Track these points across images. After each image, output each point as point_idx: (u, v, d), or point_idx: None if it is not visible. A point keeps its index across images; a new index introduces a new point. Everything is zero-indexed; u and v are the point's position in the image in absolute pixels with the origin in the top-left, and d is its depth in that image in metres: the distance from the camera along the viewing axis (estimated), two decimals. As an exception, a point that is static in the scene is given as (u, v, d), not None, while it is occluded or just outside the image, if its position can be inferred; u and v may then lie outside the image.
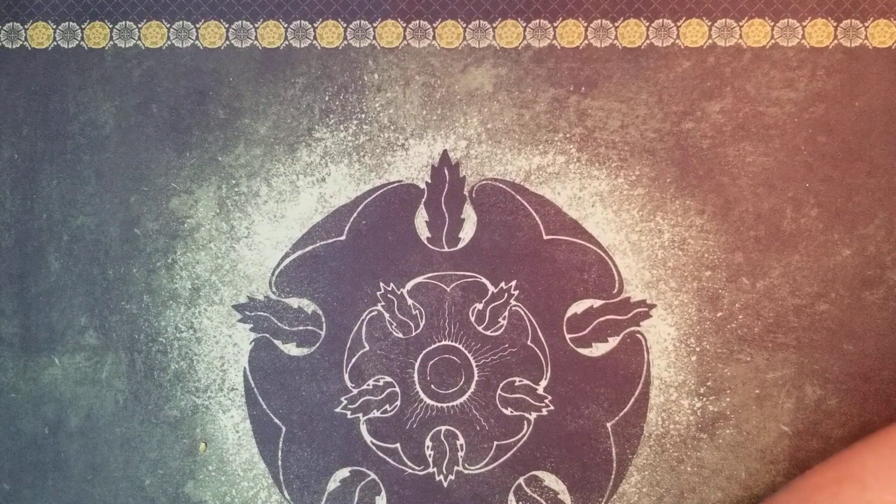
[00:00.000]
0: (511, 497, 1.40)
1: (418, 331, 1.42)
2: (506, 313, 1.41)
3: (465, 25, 1.42)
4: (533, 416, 1.41)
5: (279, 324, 1.43)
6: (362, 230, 1.43)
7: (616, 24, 1.41)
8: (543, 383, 1.41)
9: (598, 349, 1.40)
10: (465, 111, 1.42)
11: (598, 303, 1.41)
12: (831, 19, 1.39)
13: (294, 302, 1.43)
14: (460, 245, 1.42)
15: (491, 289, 1.42)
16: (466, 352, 1.42)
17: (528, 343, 1.41)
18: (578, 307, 1.41)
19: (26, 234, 1.45)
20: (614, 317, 1.40)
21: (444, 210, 1.42)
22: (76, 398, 1.44)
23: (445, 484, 1.40)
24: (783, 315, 1.38)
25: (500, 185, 1.42)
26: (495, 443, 1.41)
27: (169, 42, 1.45)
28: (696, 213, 1.40)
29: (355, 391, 1.42)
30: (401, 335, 1.43)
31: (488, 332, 1.42)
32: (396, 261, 1.43)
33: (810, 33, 1.39)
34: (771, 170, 1.39)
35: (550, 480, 1.40)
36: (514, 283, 1.41)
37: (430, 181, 1.42)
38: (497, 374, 1.41)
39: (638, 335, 1.40)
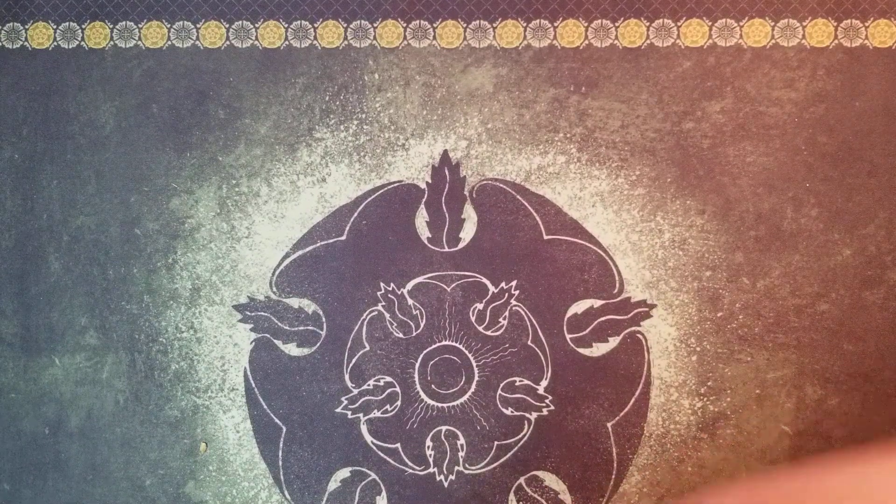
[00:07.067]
0: (512, 497, 1.40)
1: (419, 331, 1.42)
2: (506, 313, 1.41)
3: (465, 25, 1.42)
4: (533, 416, 1.41)
5: (280, 324, 1.43)
6: (363, 230, 1.43)
7: (616, 24, 1.41)
8: (544, 383, 1.41)
9: (598, 349, 1.40)
10: (466, 111, 1.43)
11: (598, 303, 1.41)
12: (831, 19, 1.39)
13: (294, 302, 1.43)
14: (461, 245, 1.42)
15: (491, 289, 1.42)
16: (467, 352, 1.42)
17: (529, 343, 1.41)
18: (579, 307, 1.41)
19: (26, 234, 1.45)
20: (615, 317, 1.40)
21: (445, 210, 1.42)
22: (76, 398, 1.44)
23: (446, 484, 1.41)
24: (783, 315, 1.38)
25: (501, 185, 1.42)
26: (496, 443, 1.41)
27: (169, 42, 1.45)
28: (697, 213, 1.40)
29: (356, 391, 1.42)
30: (401, 335, 1.43)
31: (489, 332, 1.42)
32: (397, 261, 1.43)
33: (811, 33, 1.39)
34: (771, 170, 1.39)
35: (551, 480, 1.40)
36: (514, 283, 1.41)
37: (430, 181, 1.42)
38: (497, 374, 1.41)
39: (638, 335, 1.40)
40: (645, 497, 1.39)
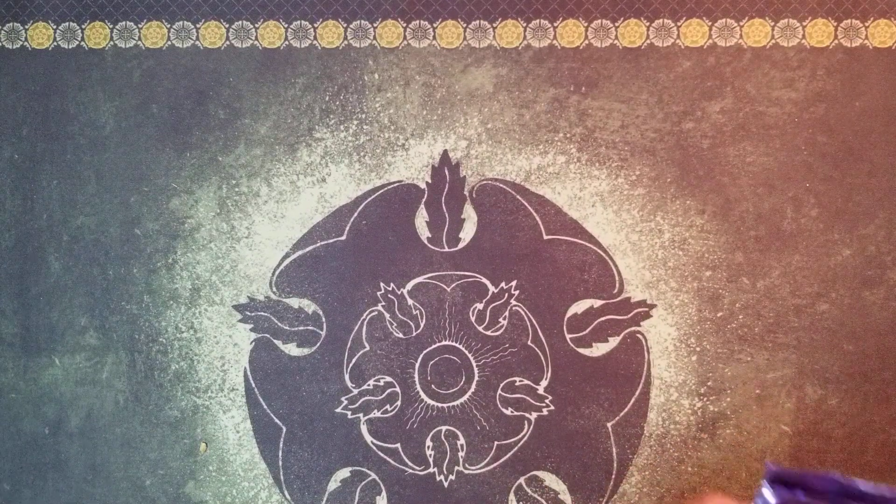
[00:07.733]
0: (511, 497, 1.40)
1: (419, 331, 1.42)
2: (506, 313, 1.41)
3: (465, 25, 1.42)
4: (533, 416, 1.41)
5: (280, 324, 1.43)
6: (363, 230, 1.43)
7: (616, 24, 1.41)
8: (544, 383, 1.41)
9: (598, 349, 1.40)
10: (466, 111, 1.42)
11: (598, 303, 1.41)
12: (831, 19, 1.39)
13: (294, 302, 1.43)
14: (461, 245, 1.42)
15: (491, 289, 1.42)
16: (467, 352, 1.42)
17: (529, 343, 1.41)
18: (579, 307, 1.41)
19: (26, 234, 1.45)
20: (615, 317, 1.40)
21: (445, 210, 1.42)
22: (76, 398, 1.44)
23: (446, 484, 1.41)
24: (783, 315, 1.38)
25: (501, 185, 1.42)
26: (496, 443, 1.41)
27: (169, 42, 1.45)
28: (697, 212, 1.40)
29: (356, 391, 1.42)
30: (401, 335, 1.43)
31: (489, 332, 1.42)
32: (397, 261, 1.43)
33: (811, 33, 1.39)
34: (771, 170, 1.39)
35: (551, 480, 1.40)
36: (514, 283, 1.41)
37: (430, 181, 1.42)
38: (497, 374, 1.41)
39: (638, 335, 1.40)
40: (645, 497, 1.39)
